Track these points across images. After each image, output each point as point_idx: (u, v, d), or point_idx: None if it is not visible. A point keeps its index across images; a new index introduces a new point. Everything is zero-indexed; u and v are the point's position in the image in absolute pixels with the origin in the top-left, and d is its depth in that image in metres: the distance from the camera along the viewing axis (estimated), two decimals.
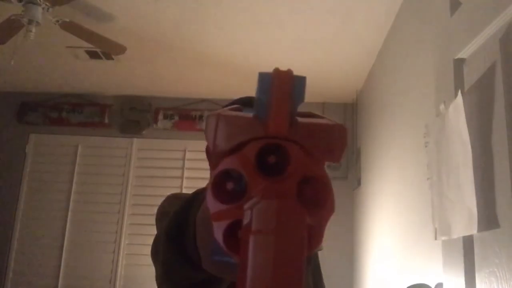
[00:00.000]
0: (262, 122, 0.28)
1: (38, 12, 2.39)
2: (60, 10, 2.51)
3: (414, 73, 2.03)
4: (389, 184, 2.47)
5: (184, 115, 4.05)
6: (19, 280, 3.81)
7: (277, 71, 0.28)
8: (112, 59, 3.30)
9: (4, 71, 3.65)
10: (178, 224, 0.49)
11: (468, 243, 1.18)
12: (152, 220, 0.70)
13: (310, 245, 0.27)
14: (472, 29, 1.18)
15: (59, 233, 3.88)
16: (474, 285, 1.14)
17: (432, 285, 1.53)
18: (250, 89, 0.29)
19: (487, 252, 1.10)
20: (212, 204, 0.28)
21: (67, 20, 2.56)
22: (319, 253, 0.86)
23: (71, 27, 2.60)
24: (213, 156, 0.30)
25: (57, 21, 2.56)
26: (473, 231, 1.10)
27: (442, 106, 1.37)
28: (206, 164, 0.31)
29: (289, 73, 0.28)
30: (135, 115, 4.08)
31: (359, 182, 3.43)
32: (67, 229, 3.89)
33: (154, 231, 0.59)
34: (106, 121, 4.08)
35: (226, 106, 0.38)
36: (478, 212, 1.09)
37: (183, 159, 3.96)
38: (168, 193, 0.74)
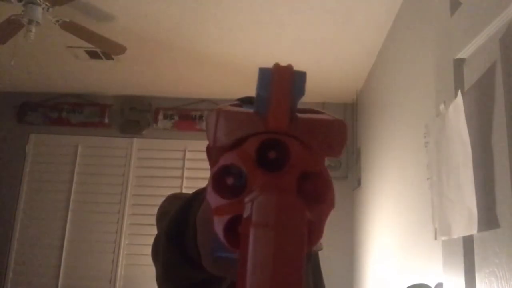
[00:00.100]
0: (262, 117, 0.29)
1: (38, 12, 2.39)
2: (60, 10, 2.51)
3: (414, 73, 2.03)
4: (389, 184, 2.47)
5: (184, 115, 4.05)
6: (19, 280, 3.81)
7: (277, 66, 0.28)
8: (112, 59, 3.30)
9: (4, 71, 3.65)
10: (178, 224, 0.49)
11: (468, 243, 1.18)
12: (152, 220, 0.70)
13: (310, 240, 0.27)
14: (472, 29, 1.18)
15: (59, 233, 3.88)
16: (474, 285, 1.14)
17: (432, 285, 1.53)
18: (250, 89, 0.29)
19: (487, 252, 1.10)
20: (212, 199, 0.28)
21: (67, 20, 2.56)
22: (319, 252, 0.86)
23: (71, 27, 2.60)
24: (213, 151, 0.30)
25: (57, 21, 2.56)
26: (473, 231, 1.10)
27: (442, 106, 1.37)
28: (206, 164, 0.31)
29: (289, 68, 0.28)
30: (135, 115, 4.08)
31: (359, 182, 3.43)
32: (67, 229, 3.89)
33: (154, 231, 0.59)
34: (106, 121, 4.08)
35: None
36: (478, 212, 1.09)
37: (183, 159, 3.97)
38: (168, 193, 0.74)
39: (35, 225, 3.91)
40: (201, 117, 4.02)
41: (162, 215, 0.66)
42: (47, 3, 2.39)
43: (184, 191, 3.69)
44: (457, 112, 1.23)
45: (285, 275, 0.24)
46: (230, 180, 0.29)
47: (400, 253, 2.18)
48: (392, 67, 2.58)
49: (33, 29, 2.41)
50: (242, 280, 0.24)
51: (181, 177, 3.93)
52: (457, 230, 1.22)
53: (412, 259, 1.95)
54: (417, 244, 1.86)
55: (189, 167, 3.93)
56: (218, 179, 0.28)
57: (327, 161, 0.30)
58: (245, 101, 0.34)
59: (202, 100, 4.04)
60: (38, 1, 2.37)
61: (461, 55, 1.28)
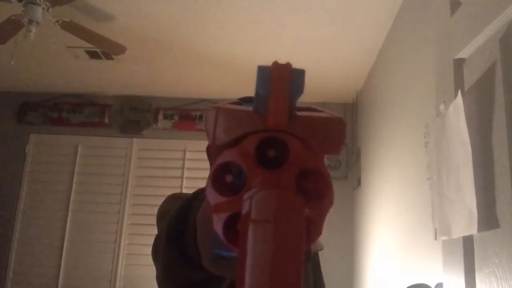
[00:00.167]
0: (261, 115, 0.29)
1: (38, 12, 2.39)
2: (60, 10, 2.51)
3: (414, 73, 2.03)
4: (389, 184, 2.47)
5: (184, 115, 4.05)
6: (19, 280, 3.81)
7: (276, 64, 0.28)
8: (112, 59, 3.30)
9: (4, 71, 3.65)
10: (178, 224, 0.49)
11: (468, 243, 1.18)
12: (152, 220, 0.70)
13: (309, 237, 0.27)
14: (472, 29, 1.18)
15: (59, 233, 3.88)
16: (474, 285, 1.14)
17: (432, 285, 1.53)
18: (250, 89, 0.29)
19: (487, 252, 1.10)
20: (212, 197, 0.28)
21: (67, 20, 2.56)
22: (320, 252, 0.86)
23: (71, 27, 2.60)
24: (212, 149, 0.30)
25: (57, 21, 2.56)
26: (473, 231, 1.10)
27: (442, 106, 1.37)
28: (206, 164, 0.31)
29: (288, 66, 0.28)
30: (135, 115, 4.08)
31: (359, 182, 3.43)
32: (67, 229, 3.89)
33: (154, 231, 0.59)
34: (106, 121, 4.08)
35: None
36: (478, 212, 1.09)
37: (183, 159, 3.97)
38: (168, 193, 0.74)
39: (35, 225, 3.91)
40: (201, 117, 4.02)
41: (162, 215, 0.66)
42: (47, 3, 2.39)
43: (184, 191, 3.69)
44: (457, 112, 1.23)
45: (284, 271, 0.24)
46: (229, 178, 0.29)
47: (400, 253, 2.18)
48: (392, 67, 2.58)
49: (33, 29, 2.41)
50: (242, 277, 0.24)
51: (181, 177, 3.93)
52: (457, 230, 1.22)
53: (412, 259, 1.95)
54: (417, 244, 1.86)
55: (189, 167, 3.93)
56: (218, 176, 0.29)
57: (327, 161, 0.30)
58: (245, 100, 0.34)
59: (202, 100, 4.04)
60: (38, 1, 2.37)
61: (461, 55, 1.28)
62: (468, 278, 1.15)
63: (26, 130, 4.11)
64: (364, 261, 3.20)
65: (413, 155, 1.96)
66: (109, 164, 4.00)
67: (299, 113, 0.30)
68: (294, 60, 0.31)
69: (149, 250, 0.57)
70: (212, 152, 0.30)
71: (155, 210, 0.70)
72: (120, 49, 2.84)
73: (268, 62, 0.29)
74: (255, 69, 0.28)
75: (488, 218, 1.09)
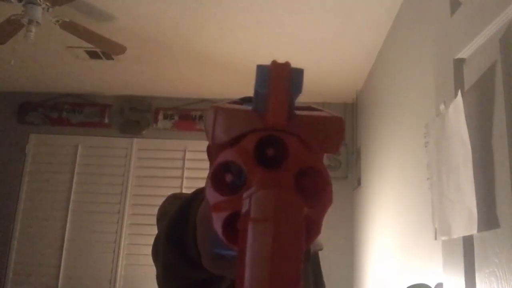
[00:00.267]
0: (260, 114, 0.29)
1: (38, 12, 2.39)
2: (60, 10, 2.51)
3: (414, 73, 2.03)
4: (389, 184, 2.47)
5: (184, 115, 4.05)
6: (19, 280, 3.81)
7: (274, 63, 0.28)
8: (112, 59, 3.30)
9: (4, 71, 3.65)
10: (177, 224, 0.49)
11: (468, 243, 1.18)
12: (152, 220, 0.70)
13: (309, 236, 0.27)
14: (472, 29, 1.18)
15: (59, 233, 3.88)
16: (474, 285, 1.14)
17: (432, 285, 1.53)
18: (250, 89, 0.29)
19: (487, 252, 1.10)
20: (211, 196, 0.28)
21: (67, 20, 2.56)
22: (320, 252, 0.86)
23: (71, 27, 2.60)
24: (212, 149, 0.30)
25: (57, 21, 2.56)
26: (473, 231, 1.10)
27: (442, 106, 1.37)
28: (206, 164, 0.31)
29: (286, 65, 0.28)
30: (135, 115, 4.08)
31: (359, 182, 3.44)
32: (67, 229, 3.89)
33: (154, 231, 0.59)
34: (106, 121, 4.08)
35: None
36: (478, 212, 1.09)
37: (183, 159, 3.97)
38: (168, 193, 0.74)
39: (35, 225, 3.91)
40: (201, 117, 4.02)
41: (162, 215, 0.66)
42: (47, 3, 2.39)
43: (184, 191, 3.69)
44: (457, 112, 1.23)
45: (283, 269, 0.24)
46: (229, 177, 0.29)
47: (400, 253, 2.18)
48: (392, 67, 2.58)
49: (33, 29, 2.41)
50: (241, 276, 0.24)
51: (181, 177, 3.93)
52: (457, 230, 1.22)
53: (412, 259, 1.95)
54: (417, 244, 1.86)
55: (189, 167, 3.93)
56: (217, 176, 0.29)
57: (327, 162, 0.30)
58: (246, 100, 0.34)
59: (202, 100, 4.04)
60: (38, 1, 2.37)
61: (461, 55, 1.28)
62: (468, 278, 1.15)
63: (26, 130, 4.11)
64: (364, 261, 3.20)
65: (413, 155, 1.96)
66: (109, 164, 4.00)
67: (298, 112, 0.30)
68: (294, 60, 0.31)
69: (149, 250, 0.57)
70: (212, 152, 0.30)
71: (155, 210, 0.70)
72: (120, 49, 2.84)
73: (268, 62, 0.29)
74: (255, 69, 0.28)
75: (488, 218, 1.09)
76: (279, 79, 0.28)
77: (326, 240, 0.96)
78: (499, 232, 1.04)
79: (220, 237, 0.28)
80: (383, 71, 2.86)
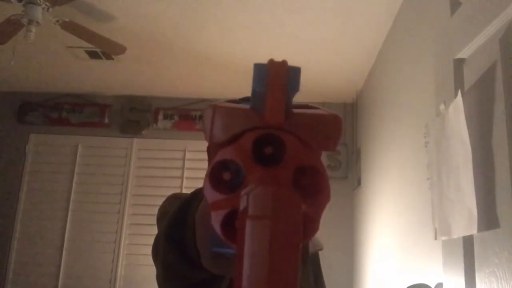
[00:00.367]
0: (258, 113, 0.29)
1: (38, 12, 2.39)
2: (60, 10, 2.51)
3: (414, 73, 2.03)
4: (389, 184, 2.48)
5: (184, 115, 4.05)
6: (19, 280, 3.81)
7: (272, 62, 0.28)
8: (112, 59, 3.30)
9: (4, 71, 3.65)
10: (177, 224, 0.49)
11: (468, 243, 1.18)
12: (152, 220, 0.70)
13: (306, 233, 0.28)
14: (472, 29, 1.18)
15: (59, 233, 3.88)
16: (474, 285, 1.14)
17: (432, 285, 1.53)
18: (250, 89, 0.29)
19: (487, 252, 1.10)
20: (209, 194, 0.28)
21: (67, 20, 2.56)
22: (320, 252, 0.86)
23: (71, 27, 2.60)
24: (210, 147, 0.30)
25: (57, 21, 2.56)
26: (473, 231, 1.10)
27: (442, 106, 1.37)
28: (206, 164, 0.31)
29: (284, 64, 0.28)
30: (135, 115, 4.08)
31: (359, 182, 3.44)
32: (67, 229, 3.89)
33: (154, 231, 0.59)
34: (106, 121, 4.09)
35: None
36: (478, 212, 1.09)
37: (183, 159, 3.97)
38: (168, 193, 0.74)
39: (35, 225, 3.91)
40: (201, 117, 4.02)
41: (162, 215, 0.66)
42: (47, 3, 2.39)
43: (184, 191, 3.69)
44: (457, 112, 1.23)
45: (280, 266, 0.24)
46: (227, 176, 0.29)
47: (400, 253, 2.18)
48: (392, 67, 2.58)
49: (33, 29, 2.41)
50: (240, 273, 0.24)
51: (181, 177, 3.93)
52: (457, 230, 1.22)
53: (412, 259, 1.95)
54: (417, 244, 1.86)
55: (189, 167, 3.93)
56: (215, 174, 0.29)
57: (327, 162, 0.31)
58: (245, 100, 0.34)
59: (202, 100, 4.04)
60: (38, 1, 2.37)
61: (461, 55, 1.28)
62: (468, 278, 1.15)
63: (26, 130, 4.11)
64: (364, 261, 3.20)
65: (413, 155, 1.96)
66: (109, 164, 4.00)
67: (295, 111, 0.30)
68: (294, 60, 0.31)
69: (149, 250, 0.57)
70: (211, 153, 0.30)
71: (155, 210, 0.70)
72: (120, 49, 2.84)
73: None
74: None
75: (488, 218, 1.09)
76: (277, 78, 0.28)
77: (326, 240, 0.96)
78: (499, 232, 1.04)
79: (219, 235, 0.28)
80: (383, 71, 2.86)
